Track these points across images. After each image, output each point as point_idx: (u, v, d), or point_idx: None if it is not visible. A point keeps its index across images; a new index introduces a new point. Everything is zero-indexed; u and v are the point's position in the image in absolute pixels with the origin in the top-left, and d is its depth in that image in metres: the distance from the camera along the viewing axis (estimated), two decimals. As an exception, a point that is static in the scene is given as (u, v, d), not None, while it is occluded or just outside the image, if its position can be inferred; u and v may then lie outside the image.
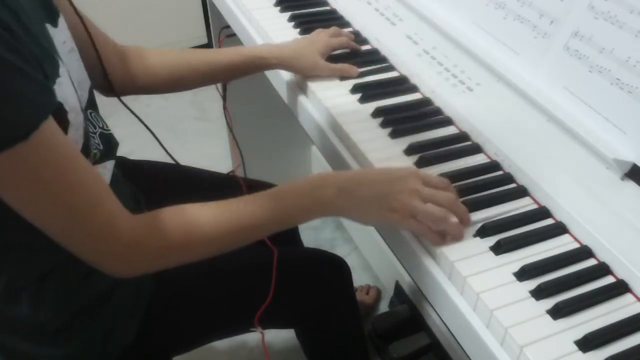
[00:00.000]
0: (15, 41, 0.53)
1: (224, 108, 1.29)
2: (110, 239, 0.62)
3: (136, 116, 0.90)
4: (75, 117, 0.66)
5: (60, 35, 0.68)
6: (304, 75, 0.96)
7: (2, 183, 0.55)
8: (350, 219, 0.70)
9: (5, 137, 0.52)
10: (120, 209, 0.63)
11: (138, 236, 0.64)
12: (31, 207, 0.58)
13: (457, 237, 0.67)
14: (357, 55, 1.02)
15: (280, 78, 1.01)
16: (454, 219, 0.67)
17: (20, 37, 0.54)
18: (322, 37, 0.99)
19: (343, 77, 0.95)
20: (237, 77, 1.01)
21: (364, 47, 1.05)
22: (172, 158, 1.00)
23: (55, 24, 0.67)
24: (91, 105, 0.76)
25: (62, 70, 0.63)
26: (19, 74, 0.53)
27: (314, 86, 0.93)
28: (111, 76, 0.84)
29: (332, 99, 0.90)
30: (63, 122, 0.63)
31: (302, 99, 0.95)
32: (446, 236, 0.66)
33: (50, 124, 0.56)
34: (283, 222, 0.70)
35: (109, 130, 0.80)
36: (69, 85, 0.65)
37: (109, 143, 0.78)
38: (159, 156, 1.01)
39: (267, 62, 0.95)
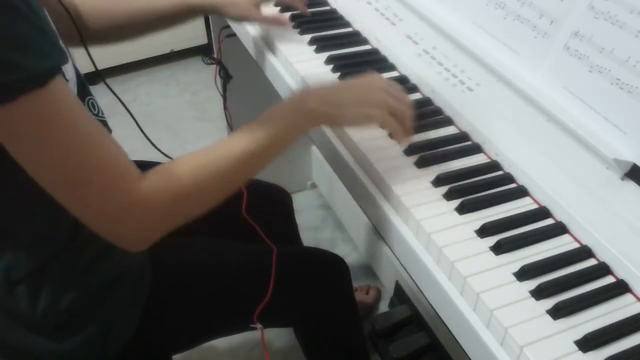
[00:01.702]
0: (30, 4, 0.55)
1: (225, 108, 1.29)
2: (117, 197, 0.61)
3: (116, 96, 0.89)
4: (73, 88, 0.67)
5: None
6: (237, 21, 1.04)
7: (18, 132, 0.55)
8: (335, 124, 0.76)
9: (23, 83, 0.53)
10: (132, 168, 0.62)
11: (147, 193, 0.62)
12: (44, 160, 0.57)
13: (409, 137, 0.78)
14: (357, 55, 1.02)
15: (282, 77, 1.01)
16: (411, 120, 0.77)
17: (33, 3, 0.56)
18: None
19: (342, 76, 0.95)
20: (176, 24, 1.02)
21: (364, 47, 1.05)
22: (161, 151, 0.99)
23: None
24: (86, 92, 0.77)
25: (60, 42, 0.64)
26: (36, 27, 0.55)
27: (313, 83, 0.93)
28: (59, 29, 0.83)
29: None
30: None
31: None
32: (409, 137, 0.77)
33: (62, 79, 0.57)
34: (281, 142, 0.71)
35: (104, 117, 0.80)
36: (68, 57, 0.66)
37: None
38: (159, 156, 1.01)
39: (203, 8, 1.00)
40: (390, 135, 0.80)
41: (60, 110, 0.57)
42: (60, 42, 0.66)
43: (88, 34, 0.91)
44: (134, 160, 1.02)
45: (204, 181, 0.66)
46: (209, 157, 0.67)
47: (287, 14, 1.11)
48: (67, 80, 0.66)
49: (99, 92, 0.82)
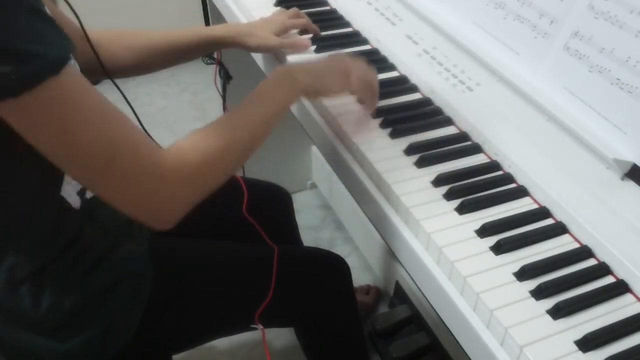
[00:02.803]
0: None
1: (224, 108, 1.29)
2: (150, 172, 0.62)
3: (122, 94, 0.89)
4: None
5: None
6: (257, 52, 1.03)
7: (41, 121, 0.56)
8: (319, 93, 0.84)
9: (39, 72, 0.53)
10: (153, 142, 0.64)
11: (174, 165, 0.64)
12: (72, 151, 0.58)
13: (373, 112, 0.87)
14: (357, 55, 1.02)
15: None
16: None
17: None
18: (279, 17, 1.03)
19: None
20: (196, 56, 1.05)
21: (364, 47, 1.05)
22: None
23: None
24: None
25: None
26: (44, 14, 0.55)
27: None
28: (82, 63, 0.85)
29: (332, 99, 0.90)
30: None
31: (302, 98, 0.95)
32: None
33: (73, 65, 0.58)
34: (278, 112, 0.78)
35: None
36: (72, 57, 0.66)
37: None
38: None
39: (223, 41, 1.00)
40: (360, 101, 0.88)
41: (79, 93, 0.57)
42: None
43: (113, 67, 0.92)
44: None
45: (222, 150, 0.69)
46: (221, 128, 0.71)
47: (308, 36, 1.06)
48: None
49: (100, 92, 0.82)
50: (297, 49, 1.01)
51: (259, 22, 1.03)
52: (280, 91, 0.78)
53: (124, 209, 0.63)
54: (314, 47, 1.03)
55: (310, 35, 1.05)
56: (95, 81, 0.90)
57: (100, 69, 0.87)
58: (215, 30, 1.01)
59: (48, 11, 0.64)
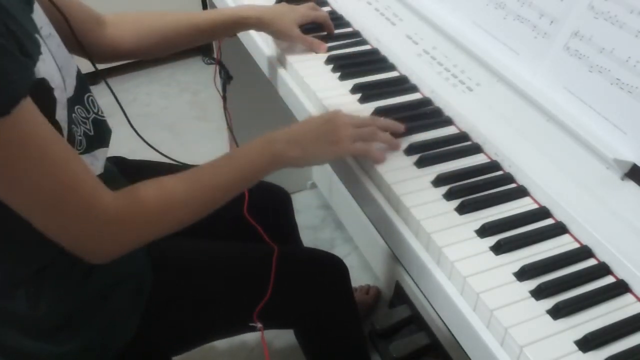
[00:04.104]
0: None
1: (224, 108, 1.29)
2: (93, 216, 0.62)
3: (115, 97, 0.89)
4: (60, 94, 0.66)
5: (38, 21, 0.67)
6: (276, 38, 1.02)
7: None
8: (303, 164, 0.78)
9: None
10: (101, 186, 0.64)
11: (120, 210, 0.64)
12: (13, 189, 0.57)
13: (393, 145, 0.80)
14: (357, 55, 1.02)
15: (282, 77, 1.01)
16: (384, 133, 0.80)
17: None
18: (301, 7, 1.04)
19: (342, 76, 0.95)
20: (219, 37, 1.05)
21: (364, 48, 1.05)
22: (158, 151, 0.99)
23: (31, 9, 0.67)
24: (85, 89, 0.76)
25: (44, 48, 0.63)
26: (4, 47, 0.53)
27: (313, 85, 0.93)
28: (95, 45, 0.85)
29: (333, 99, 0.90)
30: (50, 99, 0.63)
31: (302, 98, 0.95)
32: (383, 153, 0.78)
33: (29, 102, 0.56)
34: (245, 180, 0.75)
35: (104, 116, 0.80)
36: (52, 63, 0.65)
37: (101, 129, 0.78)
38: (158, 156, 1.01)
39: (247, 21, 0.99)
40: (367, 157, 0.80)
41: (27, 136, 0.56)
42: (39, 42, 0.65)
43: (134, 47, 0.93)
44: (135, 160, 1.03)
45: (173, 209, 0.69)
46: (177, 186, 0.70)
47: (326, 45, 1.04)
48: (52, 88, 0.64)
49: (98, 92, 0.82)
50: (314, 48, 1.01)
51: (283, 7, 1.02)
52: (258, 162, 0.75)
53: (67, 247, 0.64)
54: (313, 48, 1.03)
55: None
56: (93, 82, 0.90)
57: (111, 53, 0.89)
58: (239, 10, 1.00)
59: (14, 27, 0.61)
